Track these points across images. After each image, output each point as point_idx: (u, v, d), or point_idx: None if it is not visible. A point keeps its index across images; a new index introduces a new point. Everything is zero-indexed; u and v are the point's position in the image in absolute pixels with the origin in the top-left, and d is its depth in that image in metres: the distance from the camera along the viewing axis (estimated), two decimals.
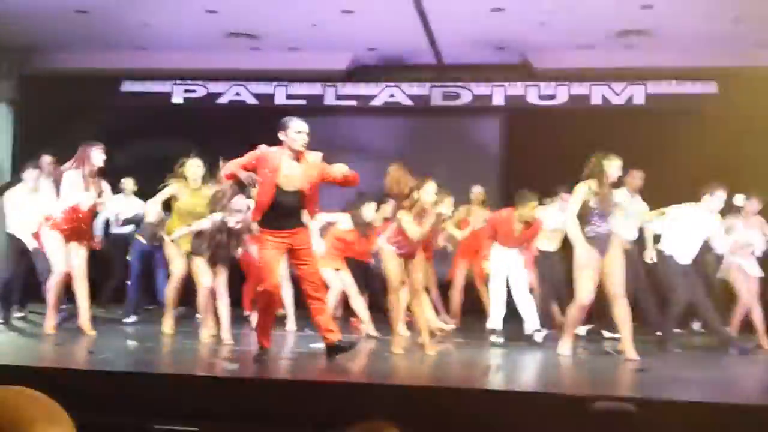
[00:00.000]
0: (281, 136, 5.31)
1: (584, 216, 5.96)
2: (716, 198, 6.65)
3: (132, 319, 7.70)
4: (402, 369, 5.50)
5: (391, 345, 5.98)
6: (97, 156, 6.44)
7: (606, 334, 7.24)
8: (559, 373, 5.56)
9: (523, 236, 6.91)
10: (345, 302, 7.58)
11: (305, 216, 5.40)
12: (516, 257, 6.96)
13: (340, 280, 7.17)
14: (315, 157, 5.36)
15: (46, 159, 7.40)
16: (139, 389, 4.34)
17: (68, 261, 6.47)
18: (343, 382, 4.73)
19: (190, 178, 6.68)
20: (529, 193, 6.76)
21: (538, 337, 6.78)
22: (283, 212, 5.22)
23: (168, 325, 6.79)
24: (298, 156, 5.27)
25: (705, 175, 7.79)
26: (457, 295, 8.22)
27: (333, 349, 5.31)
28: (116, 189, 8.21)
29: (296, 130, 5.25)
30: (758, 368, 6.34)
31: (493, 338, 6.81)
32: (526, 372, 5.72)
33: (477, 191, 8.37)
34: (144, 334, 6.83)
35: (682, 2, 7.59)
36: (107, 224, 8.59)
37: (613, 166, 5.98)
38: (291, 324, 7.40)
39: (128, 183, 8.61)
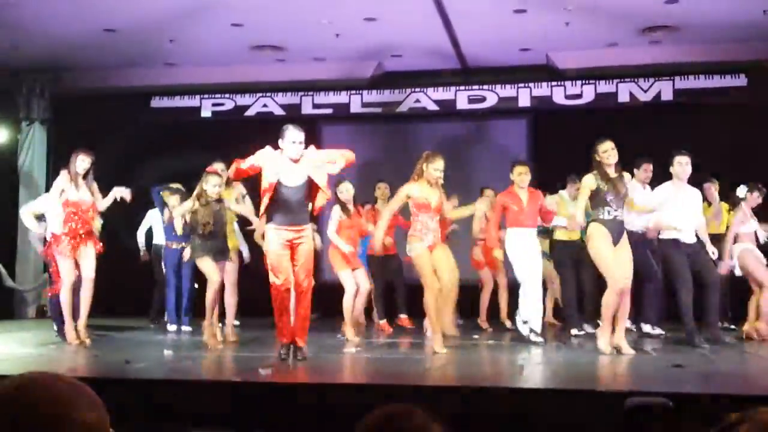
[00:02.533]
0: (279, 143, 5.60)
1: (599, 201, 6.05)
2: (683, 168, 6.59)
3: (173, 327, 8.00)
4: (431, 369, 5.51)
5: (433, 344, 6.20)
6: (79, 162, 6.77)
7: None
8: (591, 370, 5.52)
9: (534, 211, 7.01)
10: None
11: (306, 213, 5.64)
12: (532, 242, 6.97)
13: (356, 281, 7.33)
14: (310, 151, 5.66)
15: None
16: (175, 396, 4.40)
17: (76, 268, 6.78)
18: (390, 384, 4.74)
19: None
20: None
21: (534, 338, 6.78)
22: (287, 208, 5.50)
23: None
24: (296, 160, 5.57)
25: (735, 168, 7.73)
26: (487, 297, 8.28)
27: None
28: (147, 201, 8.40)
29: (291, 140, 5.53)
30: None
31: (532, 337, 6.80)
32: (556, 370, 5.68)
33: (489, 193, 8.35)
34: (180, 342, 6.95)
35: None
36: (150, 237, 8.71)
37: (602, 151, 6.08)
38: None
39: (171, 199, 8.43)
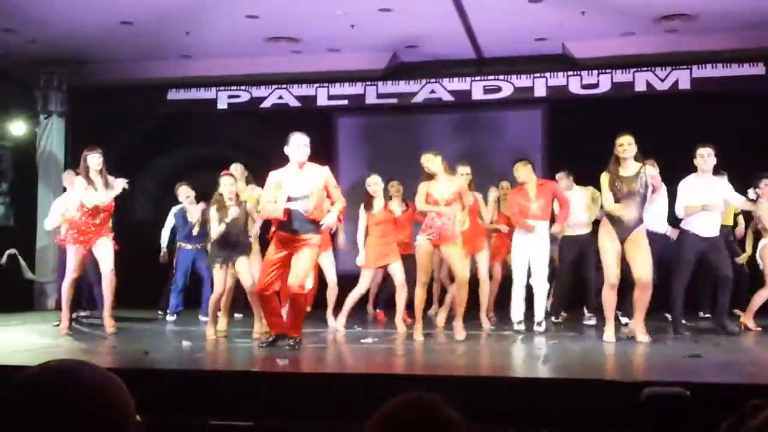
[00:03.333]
0: (286, 150, 5.90)
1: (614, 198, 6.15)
2: (705, 161, 6.61)
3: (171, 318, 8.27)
4: (450, 359, 5.53)
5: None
6: (92, 159, 6.93)
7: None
8: (607, 360, 5.53)
9: (546, 203, 7.09)
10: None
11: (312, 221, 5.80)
12: (542, 233, 7.02)
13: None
14: (320, 169, 5.95)
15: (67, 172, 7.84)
16: (194, 386, 4.45)
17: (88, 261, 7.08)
18: (400, 374, 4.78)
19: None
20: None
21: (540, 328, 6.99)
22: (291, 217, 5.76)
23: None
24: (301, 166, 5.85)
25: (754, 157, 7.66)
26: (494, 289, 8.30)
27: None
28: (172, 197, 8.46)
29: (296, 143, 5.84)
30: None
31: (517, 327, 7.06)
32: (572, 360, 5.68)
33: (504, 185, 8.33)
34: (190, 334, 7.01)
35: None
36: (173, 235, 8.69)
37: (618, 144, 6.12)
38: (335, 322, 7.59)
39: (183, 191, 8.44)
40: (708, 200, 6.55)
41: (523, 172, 7.14)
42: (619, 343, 6.08)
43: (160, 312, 8.65)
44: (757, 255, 7.27)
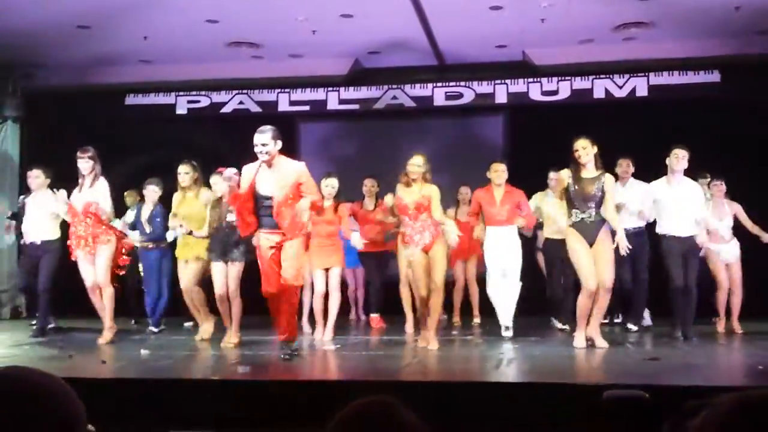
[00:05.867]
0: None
1: (568, 202, 6.19)
2: (679, 161, 6.75)
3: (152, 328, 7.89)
4: (412, 365, 5.52)
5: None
6: (78, 161, 6.86)
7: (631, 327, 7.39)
8: (571, 364, 5.57)
9: (511, 209, 7.04)
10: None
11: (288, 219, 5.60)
12: (509, 239, 7.01)
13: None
14: (294, 165, 5.72)
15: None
16: (154, 395, 4.37)
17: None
18: (364, 381, 4.75)
19: (180, 184, 6.92)
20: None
21: (507, 333, 6.91)
22: (266, 215, 5.62)
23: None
24: (269, 164, 5.64)
25: (709, 163, 7.82)
26: (459, 294, 8.32)
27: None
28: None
29: (254, 144, 5.64)
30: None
31: (505, 333, 6.89)
32: (539, 364, 5.72)
33: (463, 191, 8.37)
34: (158, 342, 6.91)
35: None
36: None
37: (574, 148, 6.16)
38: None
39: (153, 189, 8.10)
40: (678, 210, 6.67)
41: (502, 176, 7.10)
42: (583, 348, 6.09)
43: (134, 321, 8.47)
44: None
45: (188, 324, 8.07)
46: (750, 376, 4.87)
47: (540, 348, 6.36)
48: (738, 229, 7.43)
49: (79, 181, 6.90)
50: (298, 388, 4.54)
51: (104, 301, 6.82)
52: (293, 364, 5.48)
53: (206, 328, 7.05)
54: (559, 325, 7.58)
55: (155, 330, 7.71)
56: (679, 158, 6.73)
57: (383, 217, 7.57)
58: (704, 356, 5.92)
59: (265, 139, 5.60)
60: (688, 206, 6.73)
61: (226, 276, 6.64)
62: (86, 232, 6.78)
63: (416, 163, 6.31)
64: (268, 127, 5.71)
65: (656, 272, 7.22)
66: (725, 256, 7.32)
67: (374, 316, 8.21)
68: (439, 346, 6.20)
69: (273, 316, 5.80)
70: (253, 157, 5.80)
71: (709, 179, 7.56)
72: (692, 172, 7.02)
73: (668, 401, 3.71)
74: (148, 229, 7.68)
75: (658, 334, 6.84)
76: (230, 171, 5.63)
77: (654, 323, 7.65)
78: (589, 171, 6.18)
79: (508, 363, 5.55)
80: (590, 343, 6.13)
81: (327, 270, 7.13)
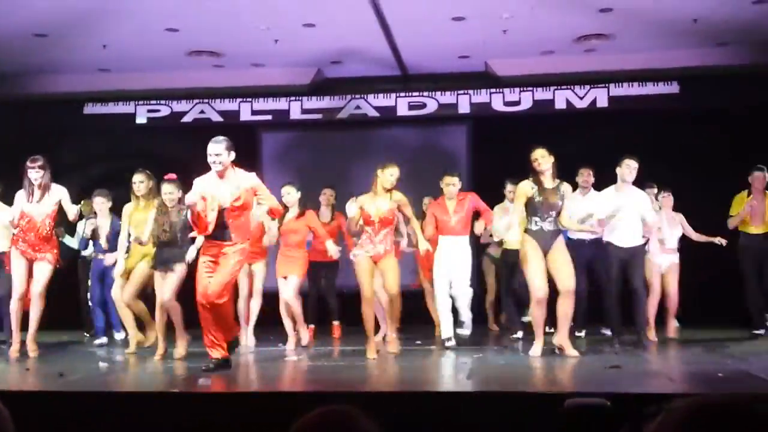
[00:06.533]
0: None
1: (530, 210, 6.23)
2: (630, 172, 6.82)
3: (102, 340, 7.73)
4: (374, 375, 5.49)
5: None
6: (29, 171, 6.65)
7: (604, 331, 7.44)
8: (531, 373, 5.58)
9: (465, 218, 7.05)
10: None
11: (237, 231, 5.63)
12: (461, 250, 7.01)
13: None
14: (247, 178, 5.69)
15: None
16: (110, 409, 4.27)
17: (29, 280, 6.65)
18: (323, 392, 4.70)
19: (135, 192, 6.86)
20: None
21: (450, 344, 6.92)
22: (214, 226, 5.58)
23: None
24: (221, 175, 5.62)
25: (667, 174, 7.94)
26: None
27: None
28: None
29: (207, 154, 5.61)
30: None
31: (447, 344, 6.94)
32: (496, 374, 5.72)
33: (426, 201, 8.39)
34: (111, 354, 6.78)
35: (639, 4, 7.68)
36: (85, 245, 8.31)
37: (533, 158, 6.20)
38: (247, 339, 7.48)
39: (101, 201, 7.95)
40: (625, 218, 6.73)
41: (453, 189, 7.08)
42: (543, 357, 6.11)
43: (86, 333, 8.34)
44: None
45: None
46: (710, 383, 4.91)
47: (502, 357, 6.36)
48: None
49: (27, 190, 6.68)
50: (258, 399, 4.47)
51: (35, 306, 6.61)
52: (257, 375, 5.41)
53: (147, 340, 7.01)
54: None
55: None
56: (630, 169, 6.81)
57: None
58: (666, 364, 5.97)
59: (219, 149, 5.58)
60: (635, 215, 6.80)
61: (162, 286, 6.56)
62: (36, 236, 6.63)
63: (394, 174, 6.35)
64: (222, 137, 5.68)
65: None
66: (663, 264, 7.44)
67: (335, 324, 8.25)
68: (398, 351, 6.36)
69: (202, 325, 5.68)
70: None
71: (656, 189, 7.66)
72: (639, 183, 7.11)
73: (630, 409, 3.72)
74: (105, 245, 7.56)
75: (622, 342, 6.87)
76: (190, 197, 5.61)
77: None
78: (549, 181, 6.23)
79: (469, 372, 5.54)
80: (560, 352, 6.13)
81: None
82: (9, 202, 7.00)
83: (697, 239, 7.64)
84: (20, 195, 6.75)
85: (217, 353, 5.62)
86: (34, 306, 6.64)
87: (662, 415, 1.07)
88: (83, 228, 7.89)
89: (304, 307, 7.64)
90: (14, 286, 6.66)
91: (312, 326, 8.02)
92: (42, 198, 6.66)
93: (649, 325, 7.22)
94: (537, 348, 6.21)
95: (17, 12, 7.59)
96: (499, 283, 8.24)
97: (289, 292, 7.19)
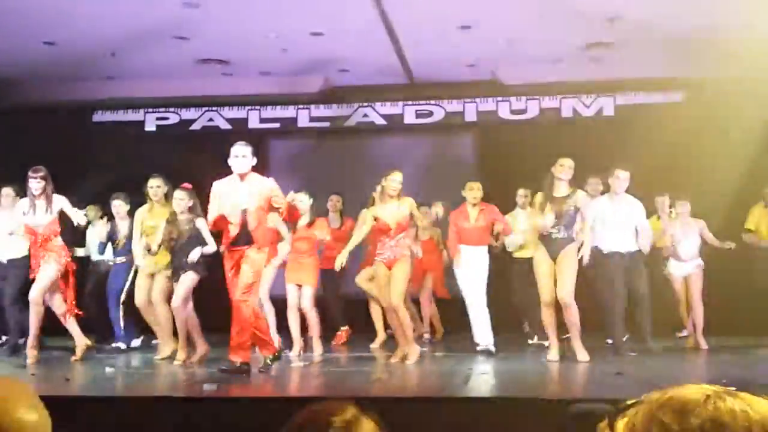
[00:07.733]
0: (229, 161, 5.77)
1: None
2: (621, 182, 6.80)
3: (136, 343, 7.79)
4: (384, 381, 5.50)
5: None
6: (30, 181, 6.66)
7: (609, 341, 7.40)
8: (538, 378, 5.59)
9: (485, 228, 7.02)
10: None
11: (257, 234, 5.71)
12: (480, 259, 6.99)
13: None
14: (266, 182, 5.81)
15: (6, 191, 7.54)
16: (117, 413, 4.30)
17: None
18: (332, 397, 4.70)
19: (150, 197, 6.93)
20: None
21: (484, 349, 6.83)
22: (235, 230, 5.67)
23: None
24: (242, 178, 5.72)
25: (671, 181, 7.94)
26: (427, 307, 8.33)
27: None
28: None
29: (234, 155, 5.72)
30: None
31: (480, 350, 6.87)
32: (508, 378, 5.74)
33: (438, 208, 8.40)
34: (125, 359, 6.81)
35: (647, 15, 7.69)
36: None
37: (559, 164, 6.28)
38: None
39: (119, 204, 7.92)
40: (618, 226, 6.77)
41: (477, 194, 7.04)
42: (554, 363, 6.15)
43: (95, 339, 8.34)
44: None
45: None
46: None
47: (509, 363, 6.37)
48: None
49: (29, 201, 6.70)
50: (265, 405, 4.50)
51: (33, 312, 6.59)
52: (263, 381, 5.43)
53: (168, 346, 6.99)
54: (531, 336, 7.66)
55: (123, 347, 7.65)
56: (620, 179, 6.79)
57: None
58: (669, 370, 5.98)
59: (245, 150, 5.74)
60: (629, 222, 6.81)
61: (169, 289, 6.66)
62: (43, 245, 6.68)
63: (396, 179, 6.37)
64: (245, 142, 5.83)
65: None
66: (680, 273, 7.39)
67: (341, 331, 8.22)
68: (417, 360, 6.29)
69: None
70: (223, 175, 5.84)
71: (667, 197, 7.58)
72: (648, 192, 7.10)
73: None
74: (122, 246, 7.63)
75: (627, 348, 6.85)
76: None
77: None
78: (562, 190, 6.26)
79: (475, 378, 5.55)
80: (571, 357, 6.21)
81: (300, 286, 7.21)
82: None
83: (719, 245, 7.46)
84: (21, 204, 6.79)
85: (237, 357, 5.63)
86: (32, 311, 6.59)
87: (636, 407, 1.09)
88: (97, 232, 7.92)
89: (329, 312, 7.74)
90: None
91: (345, 328, 8.09)
92: (43, 208, 6.69)
93: (696, 332, 7.17)
94: (553, 352, 6.27)
95: (28, 20, 7.66)
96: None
97: (306, 303, 7.18)
